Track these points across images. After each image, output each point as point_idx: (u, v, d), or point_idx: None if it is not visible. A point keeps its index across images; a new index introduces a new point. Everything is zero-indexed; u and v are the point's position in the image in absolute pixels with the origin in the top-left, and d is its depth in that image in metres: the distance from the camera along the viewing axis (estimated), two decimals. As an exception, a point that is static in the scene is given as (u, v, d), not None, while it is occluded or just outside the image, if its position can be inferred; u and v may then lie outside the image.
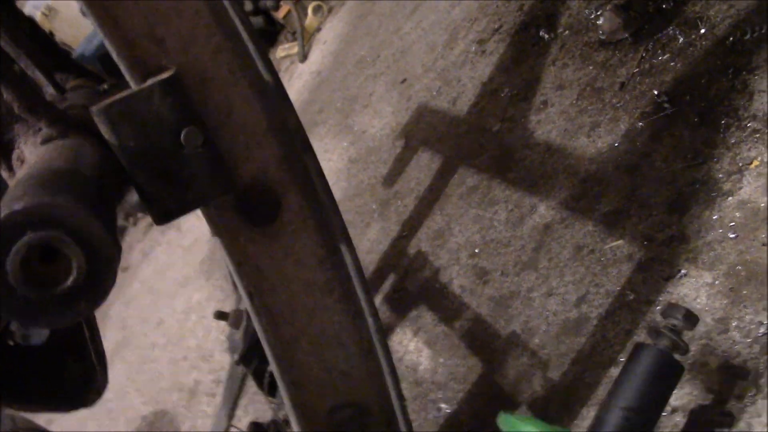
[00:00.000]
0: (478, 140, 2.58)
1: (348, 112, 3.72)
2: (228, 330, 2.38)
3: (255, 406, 2.70)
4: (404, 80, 3.40)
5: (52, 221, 0.71)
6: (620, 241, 1.79)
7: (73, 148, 0.98)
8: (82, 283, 0.73)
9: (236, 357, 2.16)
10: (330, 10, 5.10)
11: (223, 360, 3.15)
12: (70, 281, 0.73)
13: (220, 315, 2.33)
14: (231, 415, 2.20)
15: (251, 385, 2.52)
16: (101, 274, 0.74)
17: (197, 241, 4.36)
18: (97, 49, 4.90)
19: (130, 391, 3.81)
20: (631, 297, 1.66)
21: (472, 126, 2.67)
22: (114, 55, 1.11)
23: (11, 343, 0.94)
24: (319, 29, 5.07)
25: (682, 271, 1.60)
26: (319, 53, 4.78)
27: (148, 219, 5.51)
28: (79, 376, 0.97)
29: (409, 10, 3.87)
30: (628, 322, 1.63)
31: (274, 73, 1.19)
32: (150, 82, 1.08)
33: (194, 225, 4.43)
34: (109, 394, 3.19)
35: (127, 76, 1.12)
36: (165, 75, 1.10)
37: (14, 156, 1.06)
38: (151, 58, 1.13)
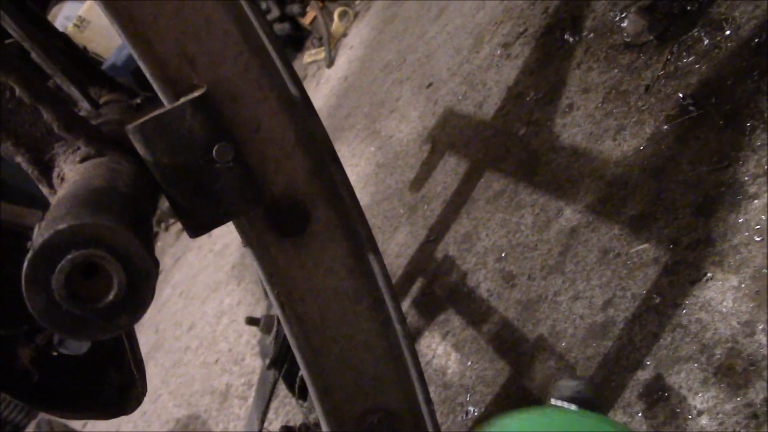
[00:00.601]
0: (504, 144, 2.60)
1: (375, 116, 3.75)
2: (259, 334, 2.42)
3: (286, 409, 2.74)
4: (430, 84, 3.42)
5: (94, 240, 0.75)
6: (646, 245, 1.80)
7: (111, 166, 1.02)
8: (123, 297, 0.77)
9: (267, 362, 2.20)
10: (356, 15, 5.14)
11: (254, 363, 3.20)
12: (111, 296, 0.76)
13: (251, 321, 2.37)
14: (263, 419, 2.25)
15: (282, 389, 2.57)
16: (140, 289, 0.78)
17: (228, 246, 4.43)
18: (129, 60, 4.99)
19: (163, 394, 3.88)
20: (658, 300, 1.67)
21: (498, 130, 2.69)
22: (147, 74, 1.15)
23: (54, 353, 0.98)
24: (345, 34, 5.11)
25: (708, 275, 1.61)
26: (345, 58, 4.82)
27: (179, 225, 5.59)
28: (119, 384, 1.02)
29: (435, 14, 3.89)
30: (654, 325, 1.64)
31: (300, 87, 1.22)
32: (182, 100, 1.12)
33: (225, 230, 4.49)
34: (144, 397, 3.20)
35: (160, 95, 1.17)
36: (196, 93, 1.14)
37: (55, 174, 1.10)
38: (182, 76, 1.17)
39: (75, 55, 2.04)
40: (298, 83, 1.24)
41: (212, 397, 3.34)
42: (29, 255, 0.74)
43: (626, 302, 1.74)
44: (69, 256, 0.75)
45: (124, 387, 1.02)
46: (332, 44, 5.09)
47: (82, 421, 4.45)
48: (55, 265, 0.75)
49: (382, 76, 4.04)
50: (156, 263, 0.81)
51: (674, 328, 1.60)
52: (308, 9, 5.37)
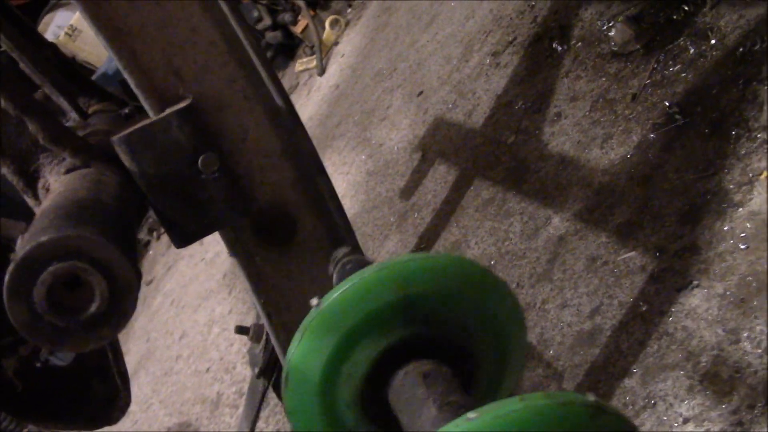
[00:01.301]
0: (493, 152, 2.61)
1: (366, 125, 3.76)
2: (249, 343, 2.42)
3: (277, 417, 2.74)
4: (421, 93, 3.44)
5: (76, 252, 0.76)
6: (633, 253, 1.81)
7: (96, 177, 1.03)
8: (105, 309, 0.78)
9: (257, 371, 2.20)
10: (347, 24, 5.16)
11: (245, 372, 3.19)
12: (93, 308, 0.77)
13: (241, 330, 2.37)
14: (252, 428, 2.24)
15: (273, 397, 2.56)
16: (122, 301, 0.79)
17: (219, 254, 4.42)
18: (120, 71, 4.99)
19: (154, 403, 3.87)
20: (644, 308, 1.68)
21: (487, 138, 2.70)
22: (132, 86, 1.16)
23: (38, 365, 0.99)
24: (336, 43, 5.13)
25: (694, 282, 1.62)
26: (337, 66, 4.84)
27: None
28: (104, 395, 1.02)
29: (425, 23, 3.91)
30: (641, 333, 1.65)
31: (286, 99, 1.23)
32: (168, 111, 1.12)
33: (216, 239, 4.48)
34: (133, 406, 3.23)
35: (146, 106, 1.17)
36: (182, 104, 1.14)
37: (40, 185, 1.11)
38: (168, 87, 1.17)
39: (64, 64, 2.05)
40: (284, 94, 1.25)
41: (203, 406, 3.34)
42: (11, 267, 0.74)
43: (613, 310, 1.75)
44: (51, 268, 0.75)
45: (108, 398, 1.02)
46: (324, 52, 5.10)
47: None
48: (36, 277, 0.76)
49: (372, 84, 4.05)
50: (138, 275, 0.81)
51: (660, 335, 1.60)
52: (300, 17, 5.38)
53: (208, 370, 3.56)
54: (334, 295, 0.96)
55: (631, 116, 2.12)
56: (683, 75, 2.06)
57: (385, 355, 1.00)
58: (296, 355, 0.98)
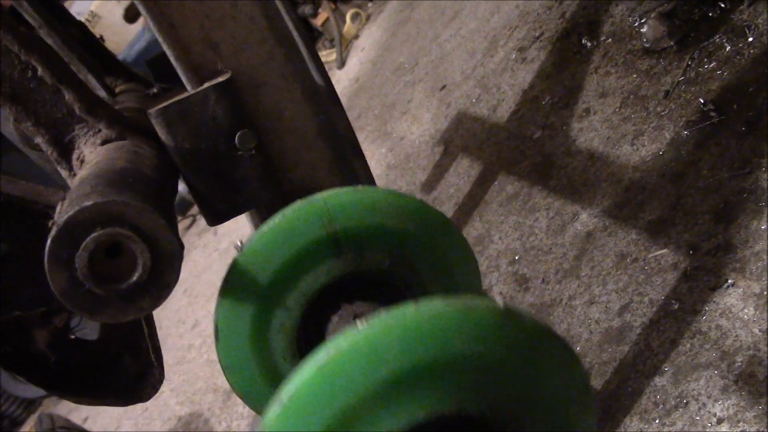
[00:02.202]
0: (518, 147, 2.58)
1: (386, 118, 3.73)
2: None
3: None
4: (443, 87, 3.40)
5: (120, 218, 0.73)
6: (665, 250, 1.77)
7: (133, 149, 1.00)
8: (147, 279, 0.75)
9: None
10: (368, 18, 5.13)
11: (259, 363, 3.17)
12: (135, 277, 0.75)
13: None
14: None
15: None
16: (165, 272, 0.76)
17: (233, 244, 4.40)
18: (140, 56, 4.98)
19: (165, 391, 3.85)
20: (676, 306, 1.65)
21: (513, 133, 2.67)
22: (171, 59, 1.13)
23: (72, 337, 0.96)
24: (357, 36, 5.10)
25: (729, 281, 1.59)
26: (356, 60, 4.81)
27: (184, 222, 5.53)
28: (135, 371, 0.99)
29: (448, 18, 3.88)
30: (673, 331, 1.62)
31: (326, 78, 1.20)
32: (206, 85, 1.10)
33: (231, 228, 4.47)
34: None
35: (184, 80, 1.15)
36: (220, 79, 1.12)
37: (74, 156, 1.08)
38: (206, 62, 1.15)
39: (91, 44, 2.03)
40: (324, 74, 1.22)
41: (215, 395, 3.32)
42: (53, 232, 0.72)
43: (644, 308, 1.72)
44: (93, 234, 0.73)
45: (140, 374, 1.00)
46: (344, 46, 5.07)
47: (83, 417, 4.43)
48: (79, 243, 0.73)
49: (393, 78, 4.02)
50: (181, 246, 0.79)
51: (693, 334, 1.57)
52: (320, 10, 5.35)
53: (221, 359, 3.54)
54: (256, 236, 0.91)
55: (663, 113, 2.09)
56: (718, 72, 2.02)
57: (318, 300, 0.93)
58: (223, 306, 0.93)
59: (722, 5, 2.14)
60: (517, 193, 2.41)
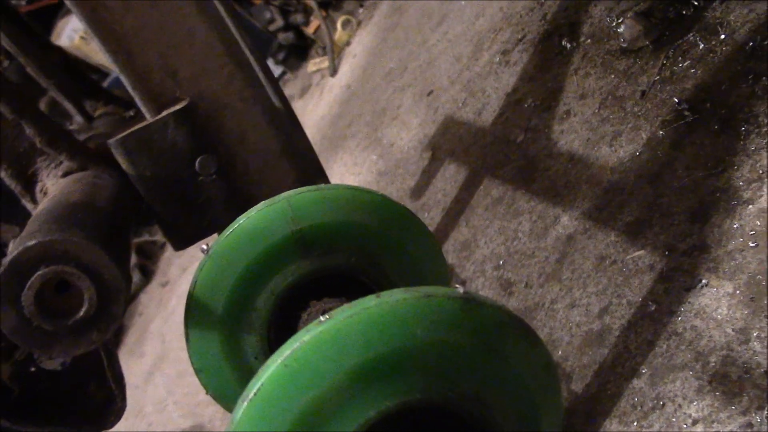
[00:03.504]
0: (502, 151, 2.59)
1: (377, 125, 3.75)
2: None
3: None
4: (431, 92, 3.42)
5: (64, 256, 0.75)
6: (642, 251, 1.78)
7: (92, 181, 1.03)
8: (93, 313, 0.77)
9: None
10: (359, 24, 5.15)
11: (257, 373, 3.19)
12: (82, 312, 0.77)
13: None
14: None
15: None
16: (111, 305, 0.78)
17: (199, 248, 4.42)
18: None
19: (168, 404, 3.88)
20: (653, 308, 1.66)
21: (497, 137, 2.68)
22: (128, 87, 1.16)
23: (33, 369, 0.99)
24: (348, 43, 5.13)
25: (704, 281, 1.60)
26: (348, 67, 4.83)
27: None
28: (100, 399, 1.01)
29: (436, 22, 3.90)
30: (650, 333, 1.63)
31: (283, 99, 1.22)
32: (164, 113, 1.12)
33: (229, 240, 4.50)
34: (148, 407, 3.27)
35: (142, 108, 1.17)
36: (179, 106, 1.14)
37: (38, 188, 1.11)
38: (165, 89, 1.17)
39: (71, 68, 2.06)
40: (281, 95, 1.24)
41: (216, 408, 3.33)
42: (0, 271, 0.74)
43: (622, 310, 1.73)
44: (39, 272, 0.75)
45: (105, 402, 1.02)
46: (336, 53, 5.10)
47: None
48: (25, 281, 0.75)
49: (383, 84, 4.04)
50: (128, 279, 0.81)
51: (669, 335, 1.58)
52: (312, 18, 5.38)
53: (220, 371, 3.57)
54: (222, 238, 0.92)
55: (640, 113, 2.10)
56: (692, 71, 2.03)
57: (287, 299, 0.94)
58: (192, 310, 0.93)
59: (695, 3, 2.15)
60: (502, 197, 2.42)
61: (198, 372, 0.93)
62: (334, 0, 5.37)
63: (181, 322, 3.53)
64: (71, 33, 6.36)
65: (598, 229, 1.96)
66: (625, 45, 2.34)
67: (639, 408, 1.54)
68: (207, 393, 0.96)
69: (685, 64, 2.07)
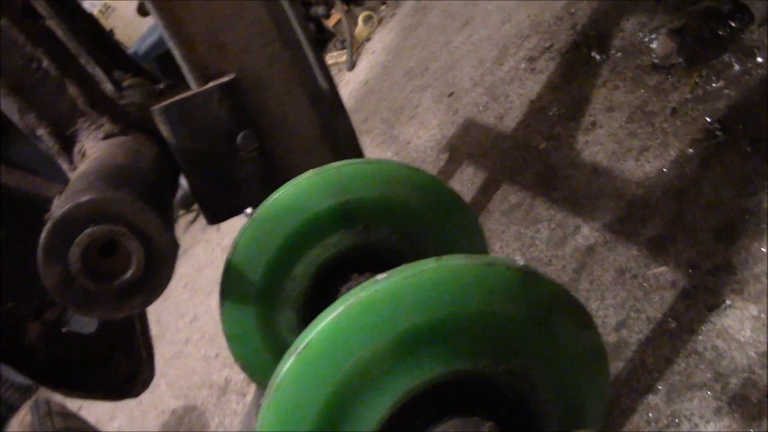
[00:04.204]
0: (523, 157, 2.58)
1: (393, 122, 3.73)
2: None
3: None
4: (452, 94, 3.40)
5: (116, 216, 0.73)
6: (664, 267, 1.77)
7: (133, 146, 1.01)
8: (140, 277, 0.75)
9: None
10: (380, 21, 5.14)
11: (255, 361, 3.17)
12: (128, 275, 0.75)
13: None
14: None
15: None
16: (159, 270, 0.76)
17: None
18: (151, 49, 4.99)
19: (161, 385, 3.85)
20: (673, 325, 1.64)
21: (518, 142, 2.67)
22: (177, 57, 1.14)
23: (63, 330, 0.96)
24: (368, 39, 5.11)
25: (727, 302, 1.58)
26: (367, 63, 4.81)
27: (188, 217, 5.53)
28: (127, 367, 1.00)
29: (460, 24, 3.88)
30: (668, 349, 1.61)
31: (331, 83, 1.21)
32: (210, 85, 1.10)
33: (234, 225, 4.47)
34: (143, 387, 3.13)
35: (188, 78, 1.15)
36: (225, 79, 1.12)
37: (76, 149, 1.09)
38: (211, 61, 1.15)
39: (100, 37, 2.03)
40: (329, 77, 1.22)
41: (210, 391, 3.32)
42: (48, 225, 0.72)
43: (640, 324, 1.71)
44: (88, 230, 0.73)
45: (131, 370, 1.00)
46: (355, 48, 5.08)
47: (77, 406, 4.43)
48: (73, 238, 0.73)
49: (402, 82, 4.02)
50: (176, 246, 0.79)
51: (689, 353, 1.57)
52: (333, 11, 5.36)
53: (217, 355, 3.54)
54: (268, 202, 0.89)
55: (669, 130, 2.08)
56: (726, 91, 2.02)
57: (325, 272, 0.91)
58: (229, 273, 0.90)
59: (732, 24, 2.13)
60: (520, 203, 2.40)
61: (229, 339, 0.90)
62: (357, -5, 5.36)
63: (179, 303, 3.51)
64: (89, 7, 6.33)
65: (619, 242, 1.94)
66: (657, 61, 2.32)
67: (653, 424, 1.52)
68: (236, 361, 0.93)
69: (719, 84, 2.06)
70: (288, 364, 0.62)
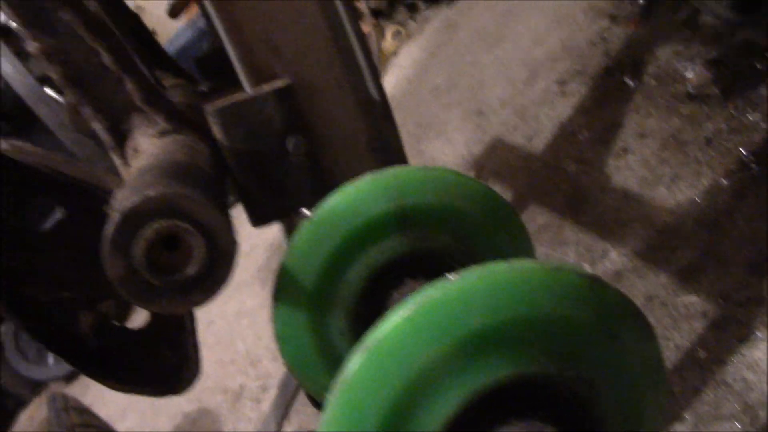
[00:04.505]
0: (552, 179, 2.58)
1: (420, 137, 3.74)
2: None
3: (300, 417, 2.71)
4: (480, 112, 3.41)
5: (182, 212, 0.74)
6: (694, 297, 1.76)
7: (190, 145, 1.02)
8: (201, 273, 0.76)
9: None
10: (409, 36, 5.16)
11: (270, 367, 3.18)
12: (190, 270, 0.75)
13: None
14: (280, 422, 2.22)
15: (302, 396, 2.54)
16: (219, 267, 0.77)
17: (255, 247, 4.41)
18: (182, 51, 5.03)
19: (173, 388, 3.85)
20: (702, 354, 1.63)
21: (547, 164, 2.67)
22: (234, 58, 1.15)
23: (117, 323, 0.97)
24: (396, 54, 5.13)
25: (758, 335, 1.57)
26: (393, 77, 4.83)
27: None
28: (173, 363, 1.00)
29: (490, 44, 3.89)
30: (697, 379, 1.60)
31: (382, 92, 1.22)
32: (266, 89, 1.11)
33: (253, 232, 4.48)
34: (158, 387, 3.15)
35: (243, 80, 1.16)
36: (280, 83, 1.13)
37: (129, 145, 1.10)
38: (267, 64, 1.16)
39: (144, 36, 2.06)
40: (380, 87, 1.23)
41: (225, 396, 3.32)
42: (116, 218, 0.73)
43: (668, 352, 1.70)
44: (155, 224, 0.74)
45: (177, 366, 1.00)
46: (382, 62, 5.10)
47: (88, 403, 4.44)
48: (138, 231, 0.74)
49: (429, 98, 4.04)
50: (236, 243, 0.80)
51: (718, 384, 1.56)
52: (361, 24, 5.39)
53: (232, 361, 3.55)
54: (326, 203, 0.90)
55: (702, 160, 2.08)
56: (762, 125, 2.02)
57: (380, 274, 0.91)
58: (283, 273, 0.91)
59: (771, 57, 2.14)
60: (548, 225, 2.40)
61: (279, 339, 0.91)
62: (387, 9, 5.38)
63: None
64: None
65: (648, 269, 1.93)
66: (691, 90, 2.33)
67: (680, 453, 1.51)
68: (283, 360, 0.93)
69: (755, 116, 2.06)
70: (358, 359, 0.62)
